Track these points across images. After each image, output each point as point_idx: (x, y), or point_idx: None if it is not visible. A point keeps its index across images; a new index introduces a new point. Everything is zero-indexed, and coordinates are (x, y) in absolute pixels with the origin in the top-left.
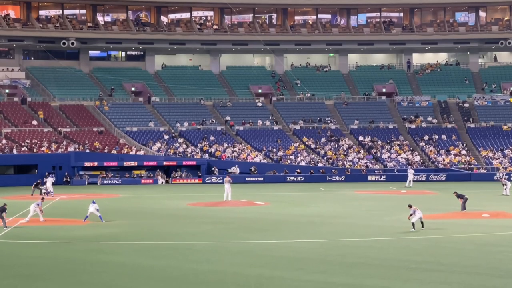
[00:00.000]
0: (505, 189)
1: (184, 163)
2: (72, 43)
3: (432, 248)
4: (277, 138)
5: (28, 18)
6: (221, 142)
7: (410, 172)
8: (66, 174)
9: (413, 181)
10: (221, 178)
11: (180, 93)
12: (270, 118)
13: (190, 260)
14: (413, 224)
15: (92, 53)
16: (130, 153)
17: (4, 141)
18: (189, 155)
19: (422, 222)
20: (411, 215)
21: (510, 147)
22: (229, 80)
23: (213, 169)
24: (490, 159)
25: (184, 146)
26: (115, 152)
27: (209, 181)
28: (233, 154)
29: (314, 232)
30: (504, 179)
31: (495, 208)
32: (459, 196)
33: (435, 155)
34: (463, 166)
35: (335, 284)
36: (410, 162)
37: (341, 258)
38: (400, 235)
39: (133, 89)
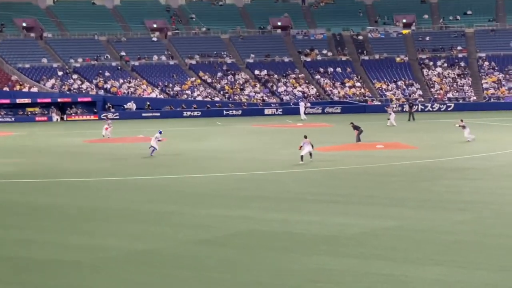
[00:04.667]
0: (388, 119)
1: (79, 99)
2: None
3: (329, 179)
4: (173, 73)
5: None
6: (116, 78)
7: (302, 105)
8: None
9: (307, 113)
10: (117, 114)
11: (73, 28)
12: (166, 53)
13: (88, 198)
14: (301, 157)
15: None
16: (23, 90)
17: None
18: (84, 91)
19: (311, 154)
20: (301, 147)
21: (403, 78)
22: (124, 14)
23: (108, 105)
24: (384, 91)
25: (79, 82)
26: (7, 89)
27: (105, 117)
28: (129, 90)
29: (212, 167)
30: (390, 109)
31: (389, 139)
32: (355, 128)
33: (331, 88)
34: (358, 98)
35: (234, 217)
36: (306, 95)
37: (239, 192)
38: (297, 167)
39: (24, 24)
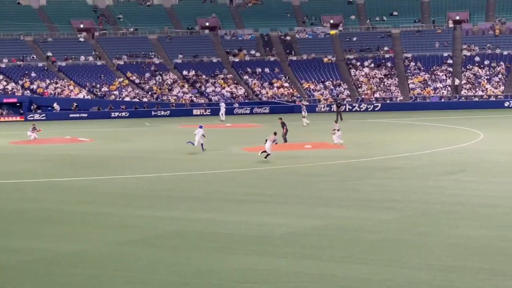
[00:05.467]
0: (304, 117)
1: (4, 100)
2: None
3: (257, 180)
4: (100, 73)
5: None
6: (43, 79)
7: (222, 106)
8: None
9: (225, 114)
10: (44, 115)
11: None
12: (93, 53)
13: (14, 199)
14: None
15: None
16: None
17: None
18: (9, 92)
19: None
20: (268, 140)
21: (331, 79)
22: (50, 14)
23: (34, 106)
24: (312, 91)
25: (4, 83)
26: None
27: (32, 118)
28: (55, 91)
29: (140, 168)
30: (304, 106)
31: (317, 139)
32: (284, 124)
33: (259, 88)
34: (286, 98)
35: (161, 218)
36: (234, 95)
37: (167, 192)
38: (225, 167)
39: None
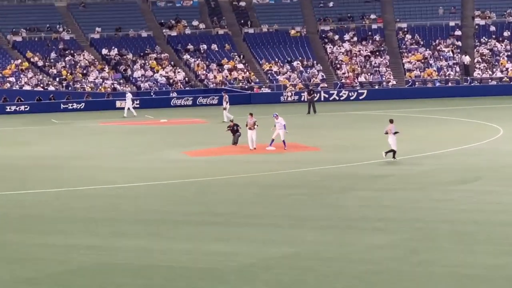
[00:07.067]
0: (225, 108)
1: None
2: None
3: (205, 194)
4: None
5: None
6: None
7: (128, 97)
8: None
9: (133, 107)
10: None
11: None
12: None
13: None
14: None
15: None
16: None
17: None
18: None
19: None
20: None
21: (300, 58)
22: None
23: None
24: (275, 74)
25: None
26: None
27: None
28: None
29: (46, 180)
30: (226, 96)
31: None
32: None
33: (204, 71)
34: (240, 84)
35: (76, 247)
36: (171, 81)
37: (84, 213)
38: (161, 178)
39: None
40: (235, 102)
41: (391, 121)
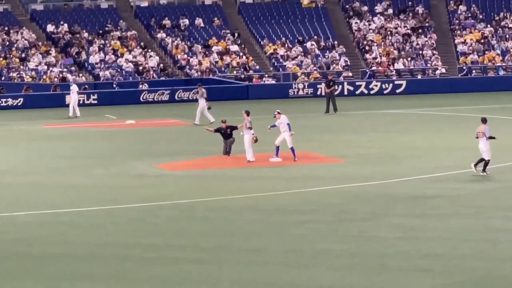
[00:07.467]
0: (209, 108)
1: None
2: None
3: (185, 221)
4: None
5: None
6: None
7: (73, 91)
8: None
9: (78, 105)
10: None
11: None
12: None
13: None
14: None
15: None
16: None
17: None
18: None
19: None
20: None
21: (315, 36)
22: None
23: None
24: (282, 60)
25: None
26: None
27: None
28: None
29: None
30: (202, 91)
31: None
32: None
33: (185, 55)
34: (234, 73)
35: None
36: (141, 68)
37: (19, 247)
38: (126, 200)
39: None
40: (227, 98)
41: (484, 121)
